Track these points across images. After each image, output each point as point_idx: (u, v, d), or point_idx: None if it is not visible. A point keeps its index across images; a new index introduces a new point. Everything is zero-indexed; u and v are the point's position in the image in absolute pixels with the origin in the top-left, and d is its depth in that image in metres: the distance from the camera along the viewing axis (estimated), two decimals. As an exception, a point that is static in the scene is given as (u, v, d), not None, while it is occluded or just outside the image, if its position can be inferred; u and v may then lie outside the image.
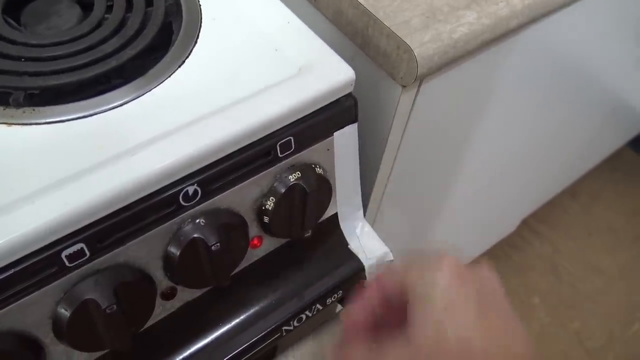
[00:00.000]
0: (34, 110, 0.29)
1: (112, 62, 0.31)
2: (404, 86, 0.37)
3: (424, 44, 0.36)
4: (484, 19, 0.38)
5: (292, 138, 0.33)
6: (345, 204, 0.39)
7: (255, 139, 0.31)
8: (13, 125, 0.29)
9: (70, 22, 0.33)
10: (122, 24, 0.33)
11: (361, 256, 0.40)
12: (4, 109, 0.29)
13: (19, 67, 0.30)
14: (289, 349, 0.39)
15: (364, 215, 0.42)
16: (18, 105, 0.29)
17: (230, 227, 0.32)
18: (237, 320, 0.35)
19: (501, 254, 1.13)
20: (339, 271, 0.39)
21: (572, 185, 1.18)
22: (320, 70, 0.33)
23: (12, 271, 0.26)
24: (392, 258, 0.41)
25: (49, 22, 0.33)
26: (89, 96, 0.31)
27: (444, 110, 0.45)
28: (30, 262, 0.26)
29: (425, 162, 0.51)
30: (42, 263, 0.26)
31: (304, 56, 0.34)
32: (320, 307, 0.39)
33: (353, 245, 0.40)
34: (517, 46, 0.45)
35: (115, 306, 0.28)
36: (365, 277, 0.41)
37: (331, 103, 0.34)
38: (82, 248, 0.27)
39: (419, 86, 0.39)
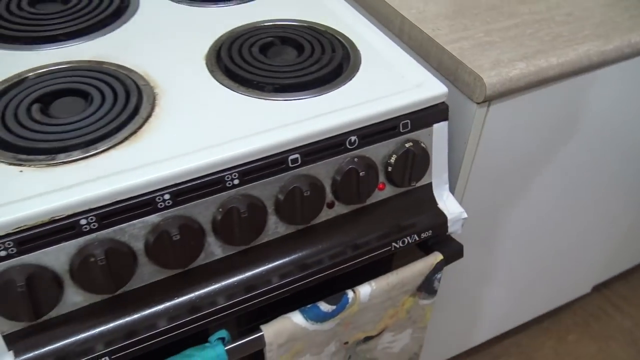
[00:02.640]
0: (276, 94, 0.58)
1: (313, 76, 0.60)
2: (478, 103, 0.63)
3: (491, 77, 0.62)
4: (530, 67, 0.64)
5: (409, 121, 0.59)
6: (437, 177, 0.64)
7: (387, 118, 0.58)
8: (264, 100, 0.58)
9: (292, 56, 0.64)
10: (318, 60, 0.63)
11: (445, 212, 0.63)
12: (261, 92, 0.59)
13: (269, 75, 0.60)
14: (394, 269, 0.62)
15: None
16: (269, 91, 0.59)
17: (370, 167, 0.58)
18: (365, 232, 0.60)
19: (580, 321, 1.24)
20: (430, 217, 0.63)
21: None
22: (427, 87, 0.60)
23: (258, 164, 0.52)
24: (466, 216, 0.64)
25: (281, 57, 0.64)
26: (302, 90, 0.59)
27: (510, 131, 0.69)
28: (270, 160, 0.53)
29: (498, 176, 0.74)
30: (276, 162, 0.53)
31: (417, 79, 0.61)
32: (417, 239, 0.62)
33: (440, 205, 0.64)
34: (559, 93, 0.69)
35: (309, 192, 0.54)
36: (447, 228, 0.63)
37: (432, 105, 0.60)
38: (297, 157, 0.54)
39: (489, 106, 0.64)
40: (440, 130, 0.61)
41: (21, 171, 0.48)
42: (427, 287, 0.65)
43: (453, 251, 0.65)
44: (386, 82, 0.61)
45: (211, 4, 0.70)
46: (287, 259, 0.57)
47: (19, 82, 0.57)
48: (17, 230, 0.45)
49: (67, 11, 0.67)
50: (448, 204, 0.64)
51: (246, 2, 0.71)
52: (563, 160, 0.80)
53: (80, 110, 0.54)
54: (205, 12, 0.69)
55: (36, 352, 0.48)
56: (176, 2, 0.71)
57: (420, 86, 0.60)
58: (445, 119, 0.61)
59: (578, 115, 0.75)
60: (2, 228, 0.44)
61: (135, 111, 0.54)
